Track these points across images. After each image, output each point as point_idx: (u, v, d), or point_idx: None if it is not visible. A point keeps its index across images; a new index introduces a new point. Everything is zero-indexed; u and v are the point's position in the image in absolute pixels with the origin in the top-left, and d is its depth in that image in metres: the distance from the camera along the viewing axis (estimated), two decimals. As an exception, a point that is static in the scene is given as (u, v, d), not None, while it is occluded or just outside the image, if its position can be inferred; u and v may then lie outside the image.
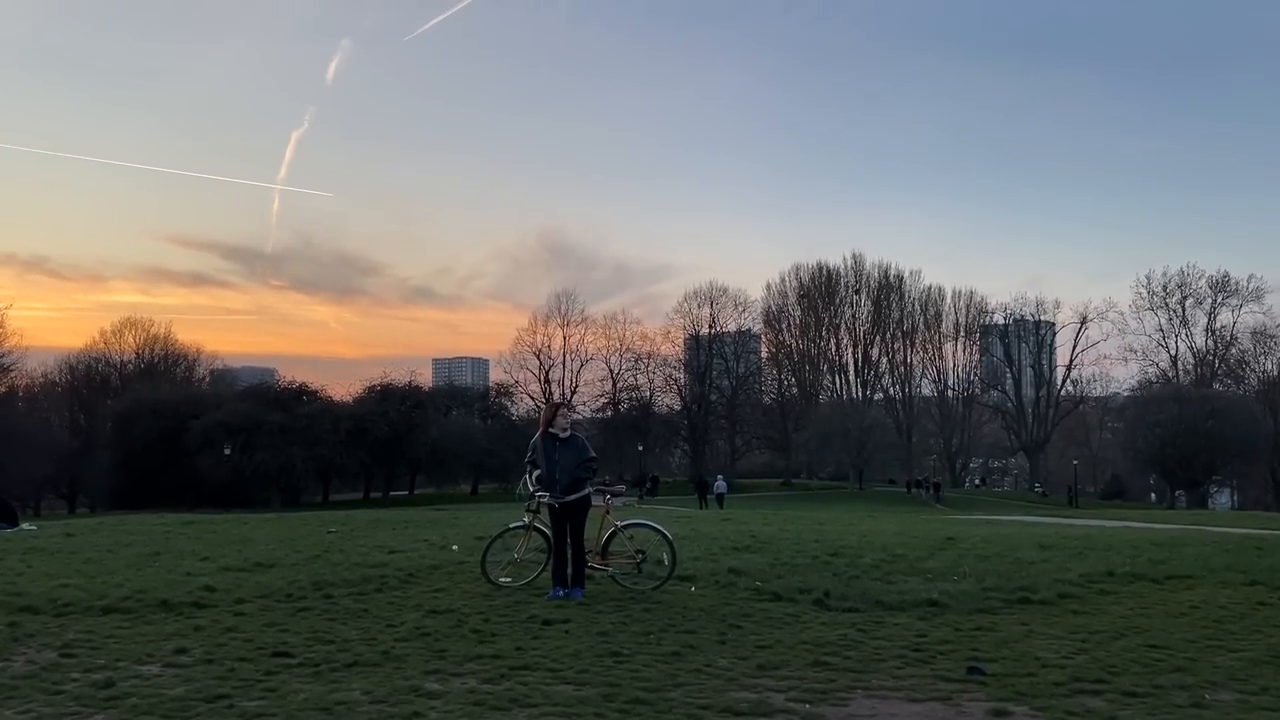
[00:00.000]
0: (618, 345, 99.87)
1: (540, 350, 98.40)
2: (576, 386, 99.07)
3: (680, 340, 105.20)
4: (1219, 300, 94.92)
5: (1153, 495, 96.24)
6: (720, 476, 65.32)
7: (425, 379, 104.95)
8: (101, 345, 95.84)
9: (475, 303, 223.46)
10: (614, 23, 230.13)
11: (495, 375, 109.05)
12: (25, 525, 22.71)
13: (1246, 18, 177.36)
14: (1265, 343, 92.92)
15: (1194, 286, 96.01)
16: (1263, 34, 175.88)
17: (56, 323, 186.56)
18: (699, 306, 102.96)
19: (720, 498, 57.24)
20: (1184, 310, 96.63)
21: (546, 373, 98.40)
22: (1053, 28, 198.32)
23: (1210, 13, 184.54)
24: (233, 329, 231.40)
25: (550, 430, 10.52)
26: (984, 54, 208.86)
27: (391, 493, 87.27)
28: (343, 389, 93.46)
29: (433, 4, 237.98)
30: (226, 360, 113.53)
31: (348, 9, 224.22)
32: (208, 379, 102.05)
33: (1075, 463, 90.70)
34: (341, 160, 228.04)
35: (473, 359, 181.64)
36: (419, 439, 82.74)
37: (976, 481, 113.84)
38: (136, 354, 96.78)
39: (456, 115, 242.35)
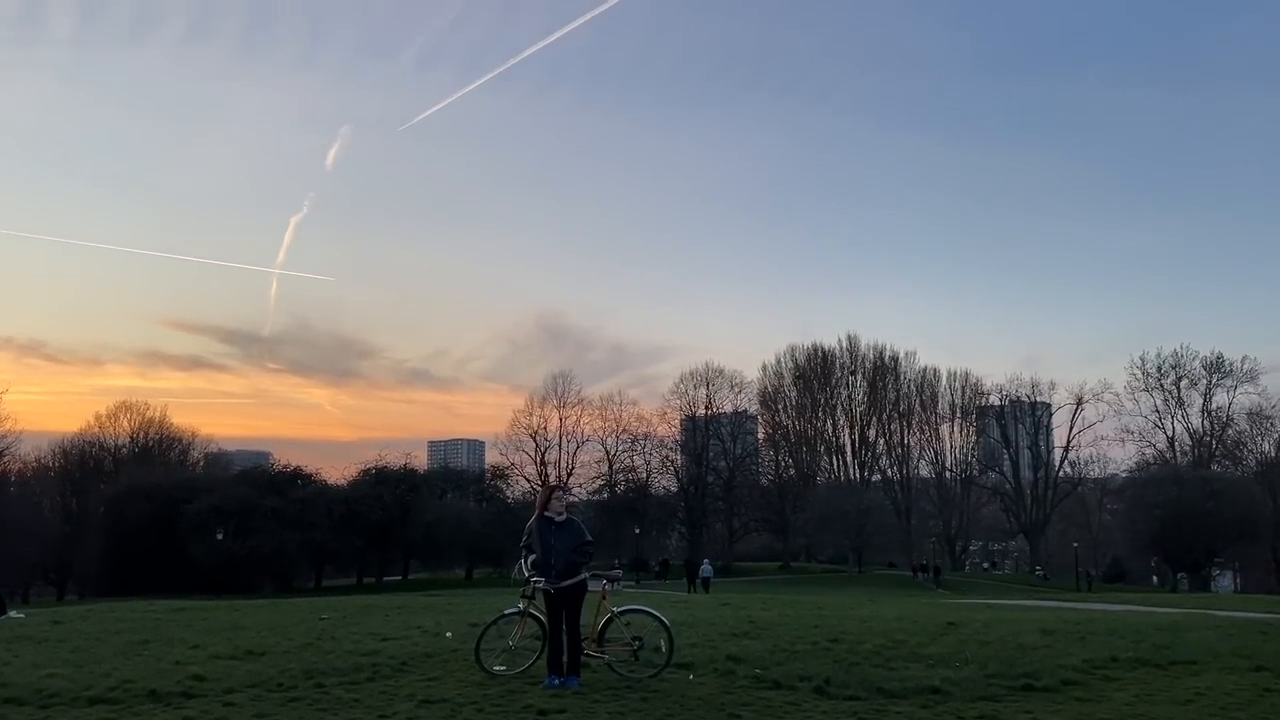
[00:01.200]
0: (614, 427, 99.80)
1: (536, 432, 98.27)
2: (573, 468, 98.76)
3: (677, 421, 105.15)
4: (1214, 381, 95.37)
5: (1154, 578, 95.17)
6: (706, 561, 64.80)
7: (421, 461, 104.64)
8: (96, 429, 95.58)
9: (472, 385, 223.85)
10: (611, 110, 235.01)
11: (491, 457, 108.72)
12: (13, 613, 22.37)
13: (1237, 110, 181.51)
14: (1262, 424, 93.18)
15: (1188, 368, 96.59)
16: (1253, 127, 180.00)
17: (52, 407, 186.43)
18: (695, 388, 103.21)
19: (706, 581, 56.78)
20: (1179, 391, 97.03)
21: (543, 455, 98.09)
22: (1047, 114, 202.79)
23: (1201, 104, 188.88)
24: (229, 412, 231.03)
25: (546, 514, 10.45)
26: (978, 138, 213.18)
27: (385, 577, 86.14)
28: (338, 472, 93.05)
29: (433, 91, 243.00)
30: (222, 443, 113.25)
31: (349, 97, 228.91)
32: (202, 463, 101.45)
33: (1075, 545, 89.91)
34: (340, 244, 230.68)
35: (468, 441, 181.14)
36: (413, 523, 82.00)
37: (985, 565, 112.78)
38: (131, 438, 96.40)
39: (455, 200, 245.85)
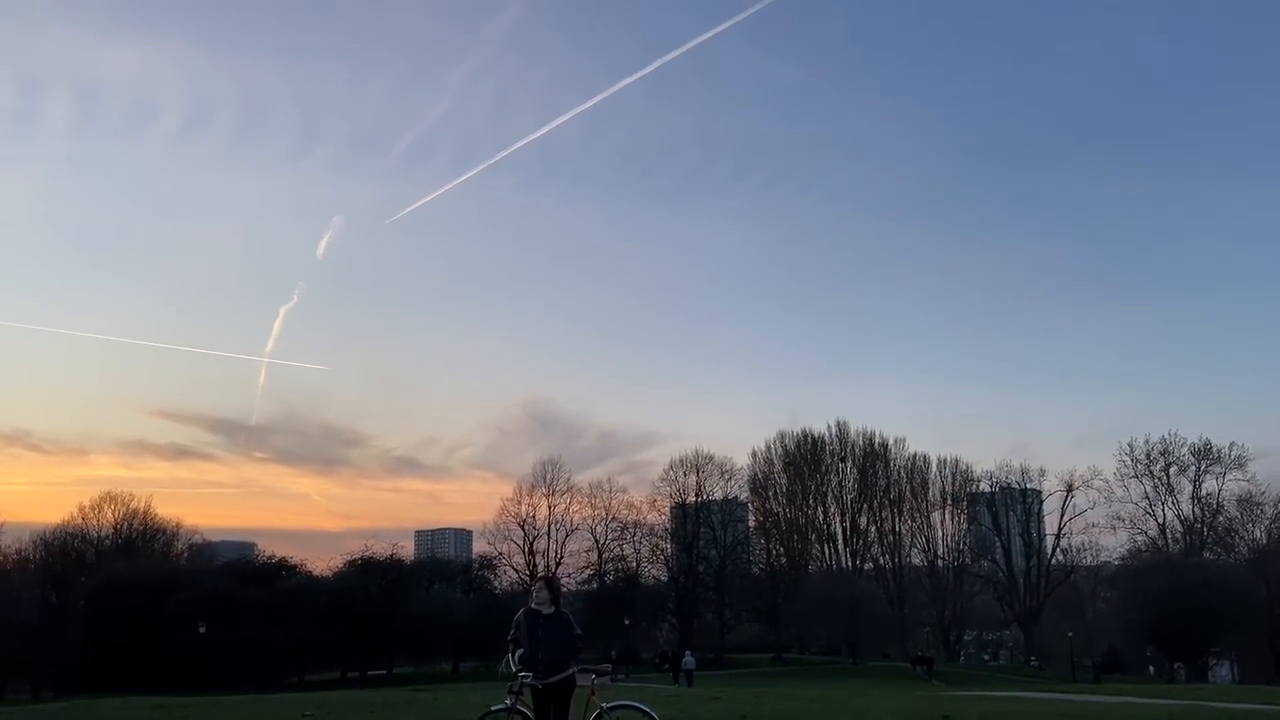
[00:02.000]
0: (603, 514, 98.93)
1: (525, 520, 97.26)
2: (561, 558, 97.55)
3: (666, 509, 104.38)
4: (1203, 468, 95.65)
5: (1151, 668, 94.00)
6: (689, 652, 63.92)
7: (408, 551, 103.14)
8: (79, 520, 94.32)
9: (460, 473, 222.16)
10: (600, 201, 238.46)
11: (479, 546, 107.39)
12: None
13: (1214, 199, 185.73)
14: (1252, 510, 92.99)
15: (1177, 454, 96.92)
16: (1228, 215, 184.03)
17: (35, 497, 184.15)
18: (685, 474, 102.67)
19: (689, 674, 55.93)
20: (1169, 478, 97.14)
21: (531, 544, 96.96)
22: (1030, 203, 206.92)
23: (1179, 193, 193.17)
24: (214, 502, 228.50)
25: (533, 606, 10.37)
26: (962, 227, 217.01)
27: (370, 671, 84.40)
28: (324, 563, 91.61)
29: (424, 182, 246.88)
30: (206, 534, 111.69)
31: (341, 187, 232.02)
32: (186, 554, 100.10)
33: (1070, 635, 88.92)
34: (330, 333, 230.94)
35: (456, 530, 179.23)
36: (400, 615, 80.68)
37: (986, 657, 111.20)
38: (115, 529, 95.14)
39: (444, 288, 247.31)
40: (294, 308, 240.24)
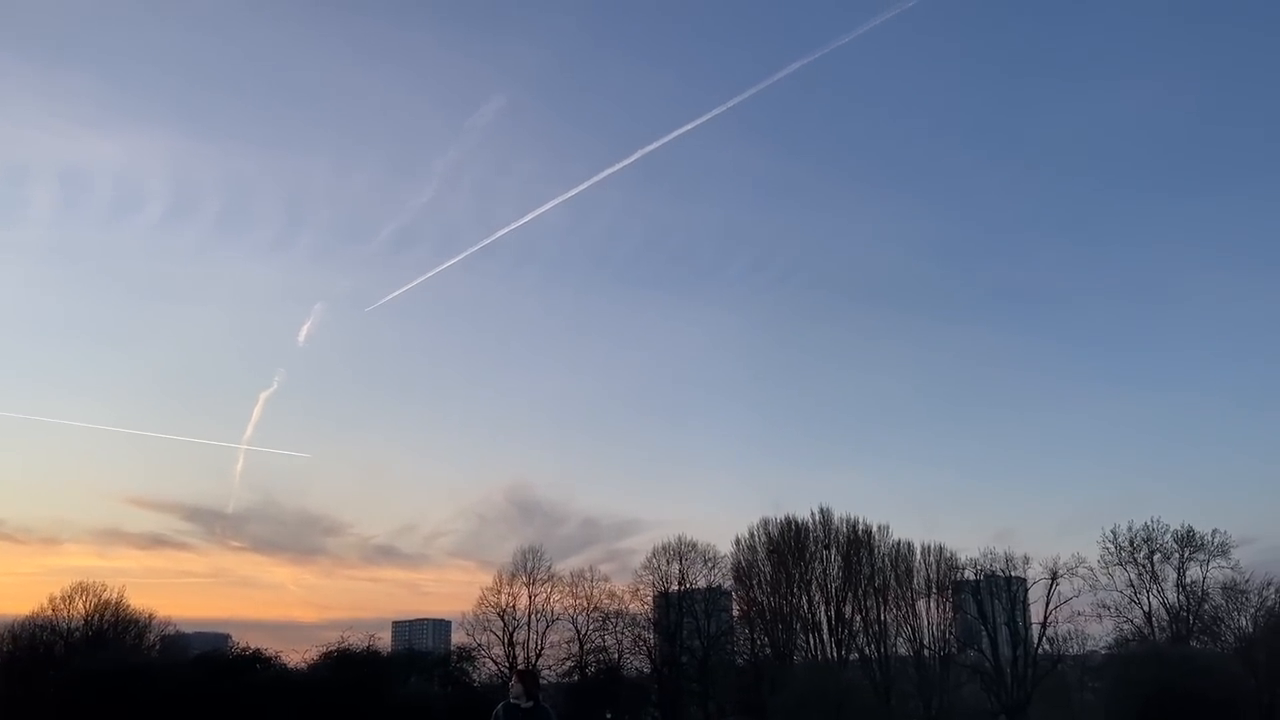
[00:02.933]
0: (585, 604, 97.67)
1: (504, 611, 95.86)
2: (542, 649, 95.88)
3: (649, 598, 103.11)
4: (1186, 555, 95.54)
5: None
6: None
7: (385, 643, 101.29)
8: (49, 612, 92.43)
9: (439, 561, 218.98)
10: (581, 286, 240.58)
11: (457, 638, 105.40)
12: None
13: (1194, 288, 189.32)
14: (1238, 599, 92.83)
15: (1160, 541, 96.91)
16: (1209, 304, 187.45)
17: (4, 588, 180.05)
18: (668, 562, 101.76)
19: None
20: (1153, 566, 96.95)
21: (511, 634, 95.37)
22: (1011, 293, 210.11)
23: (1162, 281, 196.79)
24: (188, 592, 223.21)
25: (512, 701, 10.27)
26: (944, 315, 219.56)
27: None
28: (299, 655, 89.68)
29: (406, 269, 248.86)
30: (180, 625, 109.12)
31: (323, 274, 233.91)
32: (158, 646, 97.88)
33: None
34: (309, 419, 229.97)
35: (434, 620, 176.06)
36: (375, 710, 78.76)
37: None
38: (85, 620, 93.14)
39: (425, 375, 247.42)
40: (274, 394, 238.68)
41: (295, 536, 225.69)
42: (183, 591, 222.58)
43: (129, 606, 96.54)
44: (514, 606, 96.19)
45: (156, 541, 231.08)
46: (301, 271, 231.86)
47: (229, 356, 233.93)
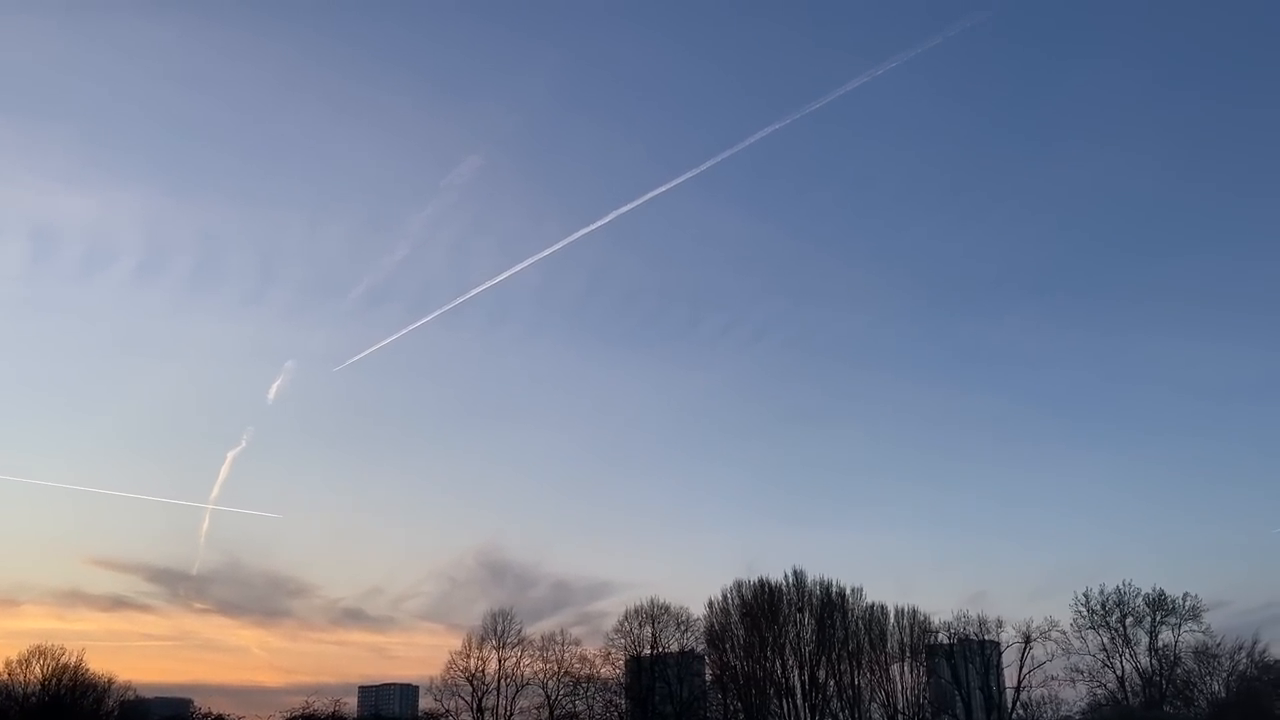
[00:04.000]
0: (556, 669, 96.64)
1: (474, 675, 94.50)
2: (511, 715, 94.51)
3: (621, 662, 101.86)
4: (1158, 619, 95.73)
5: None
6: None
7: (350, 708, 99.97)
8: (5, 676, 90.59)
9: (407, 624, 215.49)
10: (556, 346, 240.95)
11: (425, 703, 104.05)
12: None
13: (1161, 350, 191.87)
14: (1209, 663, 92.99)
15: (1132, 605, 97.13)
16: (1176, 367, 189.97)
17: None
18: (640, 626, 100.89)
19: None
20: (1125, 629, 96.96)
21: (479, 700, 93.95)
22: (982, 354, 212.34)
23: (1130, 345, 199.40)
24: (150, 656, 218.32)
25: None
26: (917, 375, 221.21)
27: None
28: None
29: (380, 327, 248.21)
30: (141, 690, 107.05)
31: (295, 332, 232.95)
32: (117, 711, 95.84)
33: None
34: (278, 479, 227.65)
35: (401, 685, 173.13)
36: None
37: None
38: (42, 685, 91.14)
39: (397, 434, 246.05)
40: (242, 452, 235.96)
41: (261, 598, 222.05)
42: (144, 654, 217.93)
43: (88, 670, 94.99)
44: (483, 671, 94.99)
45: (118, 603, 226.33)
46: (273, 328, 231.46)
47: (197, 414, 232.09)
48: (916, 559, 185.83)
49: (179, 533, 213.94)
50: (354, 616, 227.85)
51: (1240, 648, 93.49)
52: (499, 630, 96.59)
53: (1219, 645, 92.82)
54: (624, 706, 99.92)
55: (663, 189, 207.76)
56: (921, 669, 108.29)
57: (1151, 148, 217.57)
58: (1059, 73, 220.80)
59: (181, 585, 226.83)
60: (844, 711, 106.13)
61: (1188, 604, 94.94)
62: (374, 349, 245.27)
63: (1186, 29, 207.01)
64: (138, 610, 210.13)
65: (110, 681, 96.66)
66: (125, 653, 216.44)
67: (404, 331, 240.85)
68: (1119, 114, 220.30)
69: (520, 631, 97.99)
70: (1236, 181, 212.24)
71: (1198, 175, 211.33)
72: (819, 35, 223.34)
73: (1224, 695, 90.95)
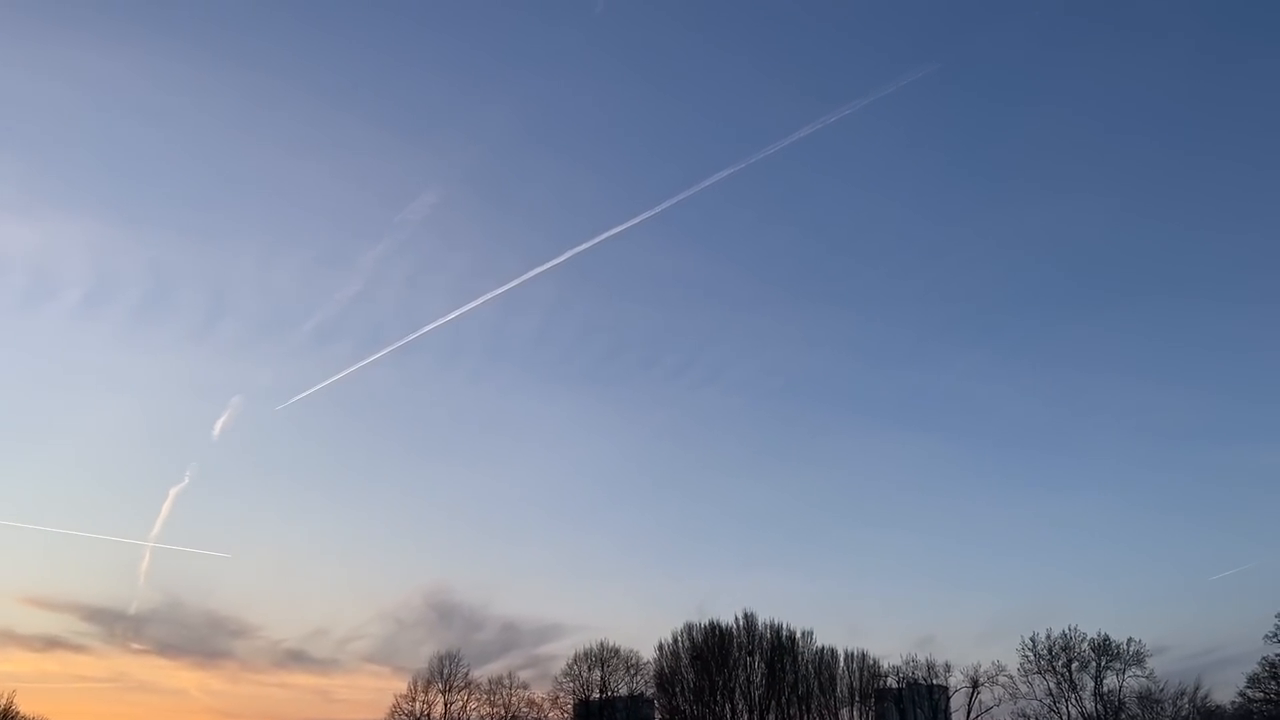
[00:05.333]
0: (503, 712, 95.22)
1: (419, 719, 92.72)
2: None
3: (569, 706, 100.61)
4: (1103, 664, 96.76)
5: None
6: None
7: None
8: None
9: (352, 666, 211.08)
10: (507, 385, 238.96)
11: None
12: None
13: (1102, 393, 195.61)
14: (1153, 708, 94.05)
15: (1078, 650, 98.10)
16: (1118, 410, 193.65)
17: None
18: (589, 669, 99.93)
19: None
20: (1070, 674, 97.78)
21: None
22: (935, 391, 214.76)
23: (1075, 387, 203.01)
24: (84, 698, 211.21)
25: None
26: (863, 419, 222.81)
27: None
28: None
29: (330, 363, 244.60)
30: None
31: (243, 367, 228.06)
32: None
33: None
34: (221, 516, 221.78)
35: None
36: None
37: None
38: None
39: (344, 472, 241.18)
40: (184, 489, 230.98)
41: (201, 639, 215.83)
42: (78, 697, 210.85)
43: (19, 713, 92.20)
44: (429, 714, 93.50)
45: (52, 644, 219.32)
46: (221, 363, 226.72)
47: (140, 449, 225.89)
48: (866, 602, 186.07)
49: (117, 571, 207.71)
50: (297, 658, 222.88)
51: (1183, 693, 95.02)
52: (445, 673, 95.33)
53: (1162, 690, 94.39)
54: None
55: (619, 229, 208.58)
56: (870, 713, 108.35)
57: (1101, 193, 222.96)
58: (1009, 121, 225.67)
59: (118, 625, 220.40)
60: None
61: (1132, 649, 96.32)
62: (323, 385, 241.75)
63: (1135, 77, 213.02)
64: (72, 651, 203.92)
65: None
66: (58, 695, 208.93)
67: (354, 368, 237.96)
68: (1069, 160, 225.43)
69: (467, 674, 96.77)
70: (1184, 227, 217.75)
71: (1146, 220, 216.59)
72: (776, 81, 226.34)
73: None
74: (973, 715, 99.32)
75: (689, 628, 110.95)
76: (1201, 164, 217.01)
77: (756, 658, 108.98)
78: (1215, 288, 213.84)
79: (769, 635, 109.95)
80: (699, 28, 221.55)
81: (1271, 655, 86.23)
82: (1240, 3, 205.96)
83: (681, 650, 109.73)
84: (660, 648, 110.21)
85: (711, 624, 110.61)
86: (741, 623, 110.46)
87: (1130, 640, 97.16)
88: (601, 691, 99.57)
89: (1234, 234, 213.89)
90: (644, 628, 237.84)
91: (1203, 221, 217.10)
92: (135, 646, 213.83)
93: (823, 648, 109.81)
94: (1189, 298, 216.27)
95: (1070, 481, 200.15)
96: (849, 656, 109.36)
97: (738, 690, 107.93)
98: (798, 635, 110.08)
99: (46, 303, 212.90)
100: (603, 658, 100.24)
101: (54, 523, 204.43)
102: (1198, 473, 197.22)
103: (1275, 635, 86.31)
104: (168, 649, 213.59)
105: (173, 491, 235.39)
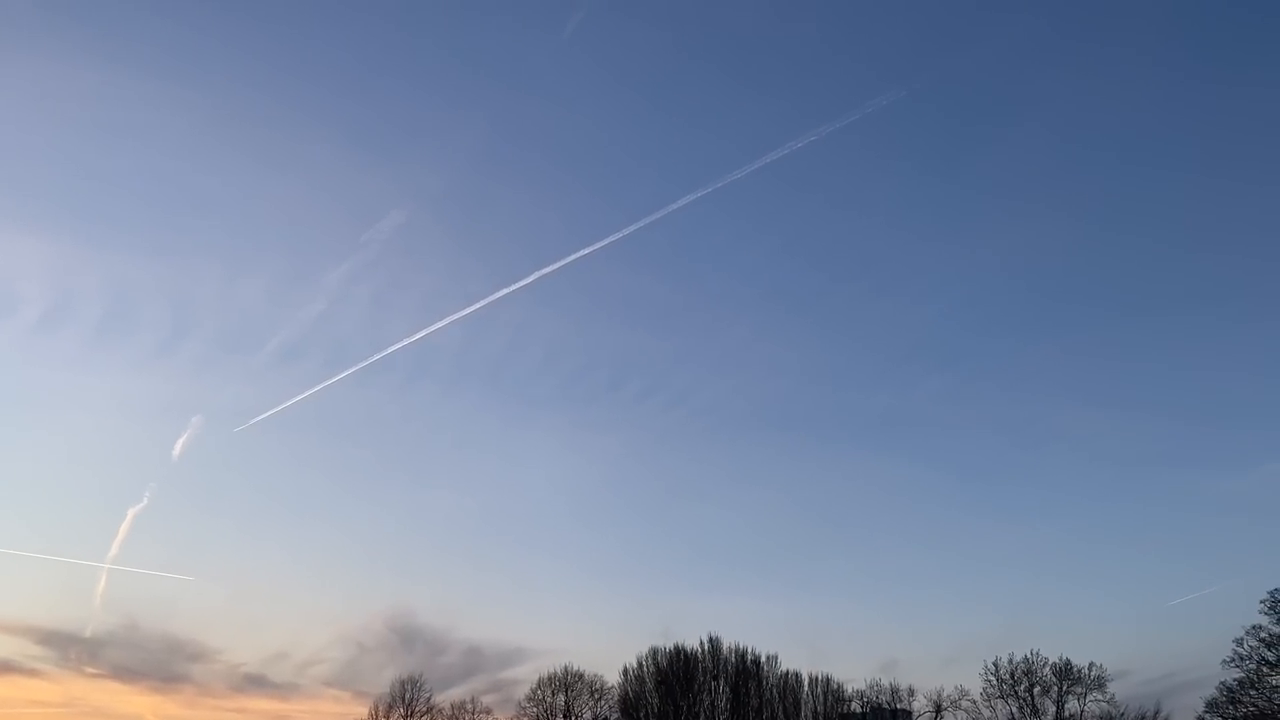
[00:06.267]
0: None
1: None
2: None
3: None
4: (1065, 688, 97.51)
5: None
6: None
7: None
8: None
9: (312, 691, 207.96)
10: (475, 406, 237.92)
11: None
12: None
13: (1063, 423, 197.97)
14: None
15: (1040, 674, 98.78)
16: (1078, 439, 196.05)
17: None
18: (553, 694, 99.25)
19: None
20: (1033, 698, 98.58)
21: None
22: (897, 417, 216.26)
23: (1036, 415, 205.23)
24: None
25: None
26: (830, 444, 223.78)
27: None
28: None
29: (293, 383, 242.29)
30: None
31: (205, 386, 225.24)
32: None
33: None
34: (181, 538, 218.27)
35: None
36: None
37: None
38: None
39: (307, 493, 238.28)
40: (144, 510, 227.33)
41: (158, 663, 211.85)
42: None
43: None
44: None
45: (4, 667, 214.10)
46: (182, 382, 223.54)
47: (98, 469, 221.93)
48: (830, 625, 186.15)
49: (73, 593, 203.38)
50: (256, 683, 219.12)
51: (1143, 717, 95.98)
52: (407, 698, 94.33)
53: (1123, 714, 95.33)
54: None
55: (587, 250, 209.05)
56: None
57: (1058, 223, 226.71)
58: (969, 151, 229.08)
59: (73, 648, 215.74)
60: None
61: (1093, 673, 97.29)
62: (286, 405, 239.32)
63: (1092, 109, 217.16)
64: (24, 675, 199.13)
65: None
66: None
67: (317, 388, 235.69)
68: (1026, 190, 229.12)
69: (430, 699, 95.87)
70: (1141, 253, 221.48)
71: (1105, 246, 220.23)
72: (740, 108, 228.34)
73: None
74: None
75: (654, 652, 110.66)
76: (1153, 195, 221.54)
77: (721, 682, 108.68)
78: (1171, 313, 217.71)
79: (734, 659, 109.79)
80: (668, 51, 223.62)
81: (1229, 680, 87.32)
82: (1204, 30, 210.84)
83: (646, 674, 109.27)
84: (625, 672, 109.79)
85: (676, 648, 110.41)
86: (706, 647, 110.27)
87: (1092, 665, 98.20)
88: (566, 716, 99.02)
89: (1189, 261, 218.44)
90: (609, 652, 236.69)
91: (1160, 248, 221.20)
92: (90, 670, 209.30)
93: (787, 672, 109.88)
94: (1145, 322, 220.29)
95: (1031, 505, 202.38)
96: (813, 681, 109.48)
97: (702, 715, 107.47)
98: (762, 659, 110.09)
99: (4, 320, 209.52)
100: (567, 682, 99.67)
101: (7, 543, 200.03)
102: (1156, 498, 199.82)
103: (1233, 660, 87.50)
104: (124, 673, 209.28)
105: (131, 512, 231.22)
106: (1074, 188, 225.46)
